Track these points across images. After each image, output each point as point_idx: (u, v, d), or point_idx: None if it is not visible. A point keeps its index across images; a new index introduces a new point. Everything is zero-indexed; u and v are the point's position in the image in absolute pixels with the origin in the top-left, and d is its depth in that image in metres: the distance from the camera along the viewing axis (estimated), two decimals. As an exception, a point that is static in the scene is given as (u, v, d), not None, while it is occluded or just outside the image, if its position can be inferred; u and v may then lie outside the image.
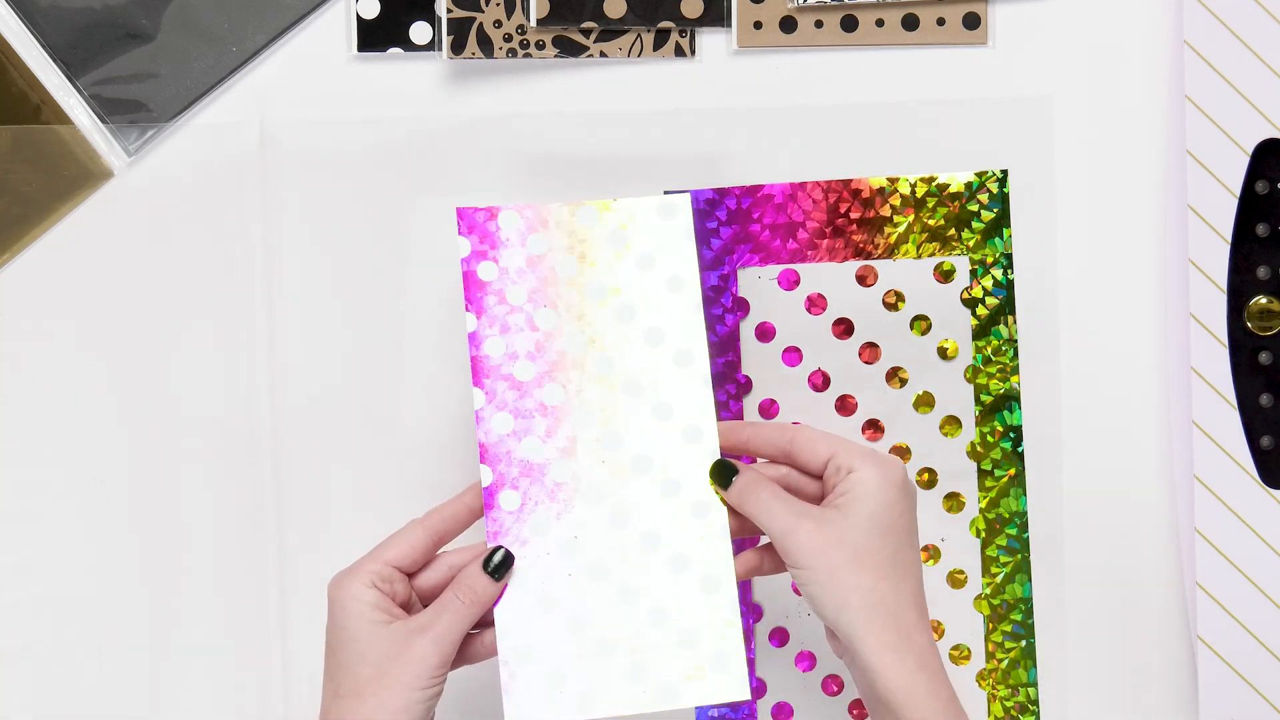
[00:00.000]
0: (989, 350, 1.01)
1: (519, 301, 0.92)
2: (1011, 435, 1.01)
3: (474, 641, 0.92)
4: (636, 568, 0.91)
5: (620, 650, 0.91)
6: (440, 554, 0.93)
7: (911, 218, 1.01)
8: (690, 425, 0.92)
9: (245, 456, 1.02)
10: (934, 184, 1.00)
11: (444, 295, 1.01)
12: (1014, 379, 1.01)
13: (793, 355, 1.01)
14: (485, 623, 0.92)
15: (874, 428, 1.02)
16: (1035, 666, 1.02)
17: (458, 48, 1.01)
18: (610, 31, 1.02)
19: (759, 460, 0.94)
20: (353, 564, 0.90)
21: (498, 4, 1.01)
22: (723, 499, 0.92)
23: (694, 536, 0.91)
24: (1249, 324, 1.02)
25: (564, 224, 0.93)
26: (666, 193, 0.94)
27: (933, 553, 1.02)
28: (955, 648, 1.02)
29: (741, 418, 1.01)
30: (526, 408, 0.92)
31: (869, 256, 1.01)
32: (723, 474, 0.91)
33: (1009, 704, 1.02)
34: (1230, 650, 1.02)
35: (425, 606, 0.92)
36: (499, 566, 0.90)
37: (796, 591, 1.00)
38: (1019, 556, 1.02)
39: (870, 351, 1.02)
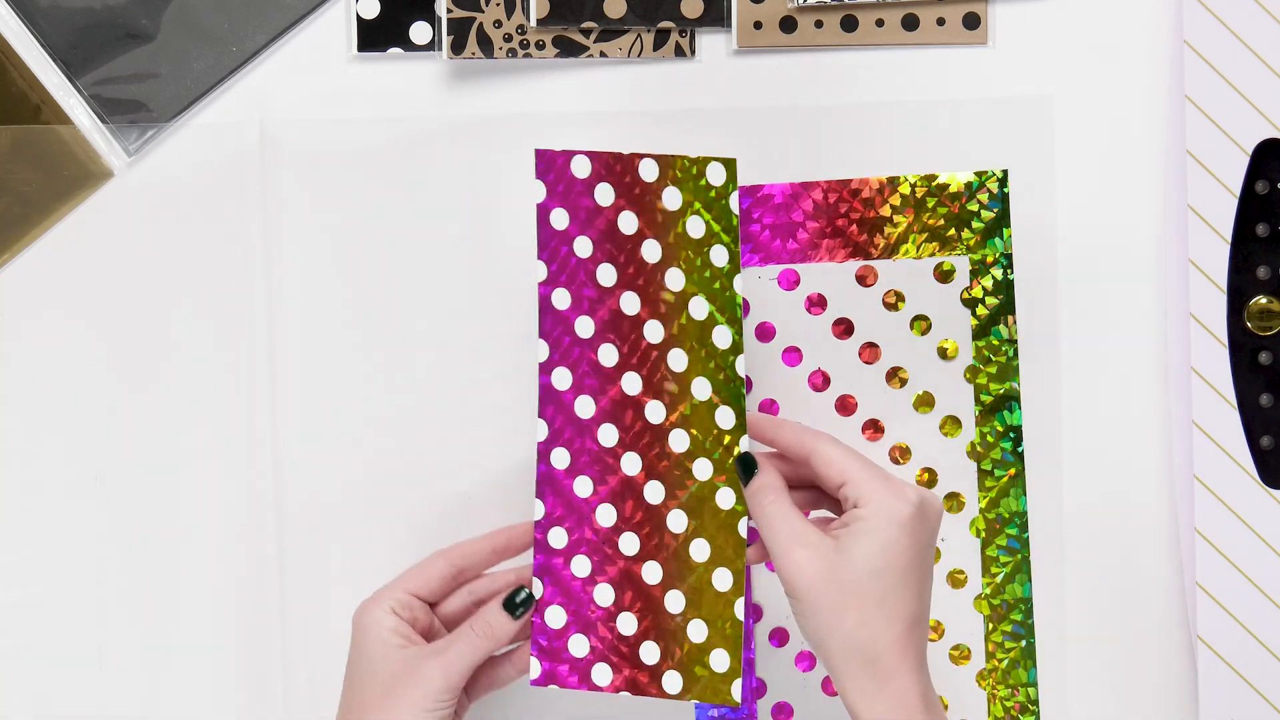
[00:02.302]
0: (989, 350, 1.01)
1: (585, 254, 0.90)
2: (1011, 435, 1.01)
3: (501, 664, 0.94)
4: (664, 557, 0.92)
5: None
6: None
7: (911, 218, 1.01)
8: (725, 411, 0.90)
9: (245, 455, 1.02)
10: (934, 184, 1.00)
11: (445, 295, 1.01)
12: (1014, 379, 1.01)
13: (793, 355, 1.01)
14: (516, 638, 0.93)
15: (874, 428, 1.02)
16: (1035, 666, 1.02)
17: (458, 48, 1.01)
18: (610, 31, 1.02)
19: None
20: (376, 591, 0.92)
21: (498, 4, 1.01)
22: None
23: (717, 529, 0.91)
24: (1249, 324, 1.02)
25: (628, 175, 0.90)
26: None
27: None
28: (955, 648, 1.02)
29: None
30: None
31: (869, 256, 1.01)
32: (744, 469, 0.90)
33: (1009, 704, 1.02)
34: (1230, 650, 1.02)
35: (449, 632, 0.93)
36: (520, 606, 0.91)
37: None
38: (1019, 556, 1.02)
39: (870, 351, 1.01)
